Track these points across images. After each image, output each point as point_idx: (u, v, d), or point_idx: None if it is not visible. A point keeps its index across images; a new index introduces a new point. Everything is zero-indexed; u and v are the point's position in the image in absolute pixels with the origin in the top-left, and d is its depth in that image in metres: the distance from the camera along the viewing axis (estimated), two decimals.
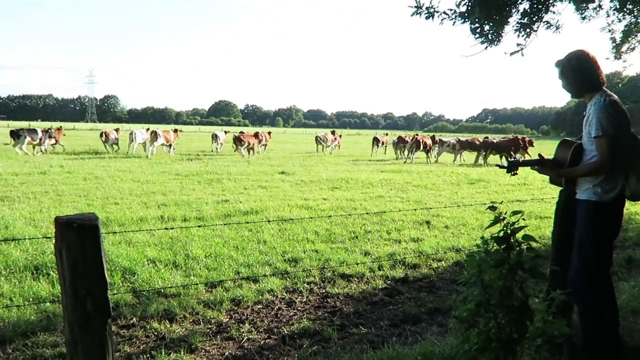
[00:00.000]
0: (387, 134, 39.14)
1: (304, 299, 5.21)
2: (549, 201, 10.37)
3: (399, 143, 27.14)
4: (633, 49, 10.56)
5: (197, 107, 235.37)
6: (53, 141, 24.26)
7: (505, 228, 2.61)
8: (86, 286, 2.13)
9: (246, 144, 25.05)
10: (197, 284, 5.36)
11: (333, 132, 32.40)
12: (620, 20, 9.97)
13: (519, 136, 28.85)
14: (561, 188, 3.72)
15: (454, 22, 6.13)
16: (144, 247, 6.58)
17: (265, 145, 29.05)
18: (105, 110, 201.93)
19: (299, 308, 4.99)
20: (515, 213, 2.64)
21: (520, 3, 6.54)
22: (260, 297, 5.17)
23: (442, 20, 6.08)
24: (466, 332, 2.64)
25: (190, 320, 4.61)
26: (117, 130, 27.92)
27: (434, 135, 29.95)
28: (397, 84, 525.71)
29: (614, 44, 10.46)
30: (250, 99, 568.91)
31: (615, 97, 3.36)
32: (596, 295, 3.38)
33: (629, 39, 10.32)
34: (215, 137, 28.43)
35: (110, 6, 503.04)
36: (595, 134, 3.26)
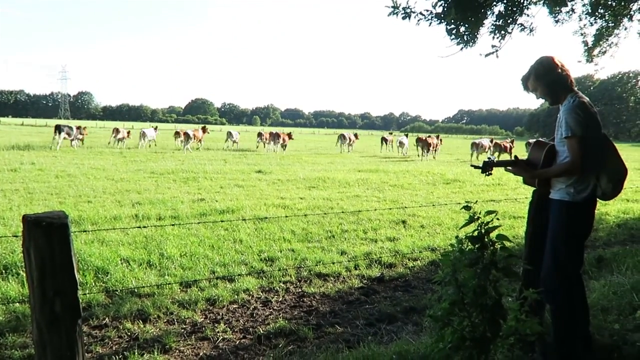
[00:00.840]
0: (391, 134, 43.45)
1: (280, 299, 5.18)
2: (522, 201, 10.51)
3: (419, 142, 29.32)
4: (604, 52, 10.74)
5: (174, 104, 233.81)
6: (81, 137, 26.91)
7: (479, 228, 2.63)
8: (55, 286, 2.08)
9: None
10: (171, 284, 5.29)
11: (356, 135, 35.56)
12: (592, 24, 10.15)
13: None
14: (534, 188, 3.77)
15: (430, 23, 6.17)
16: (118, 246, 6.48)
17: (285, 145, 30.33)
18: (79, 107, 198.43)
19: (275, 307, 4.96)
20: (489, 213, 2.66)
21: (495, 5, 6.62)
22: (236, 296, 5.13)
23: (418, 20, 6.11)
24: (440, 331, 2.65)
25: (165, 320, 4.55)
26: (128, 132, 31.17)
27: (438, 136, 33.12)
28: (375, 84, 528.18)
29: (586, 47, 10.62)
30: (227, 97, 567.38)
31: (585, 98, 3.41)
32: (568, 294, 3.43)
33: (600, 42, 10.49)
34: (230, 134, 31.88)
35: (83, 1, 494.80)
36: (565, 134, 3.31)
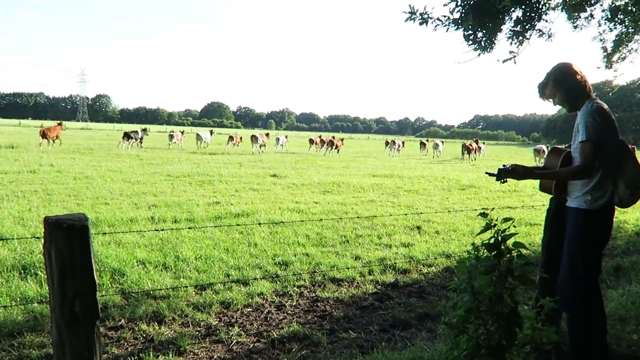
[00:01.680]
0: (428, 140, 47.47)
1: (294, 303, 5.20)
2: (539, 208, 10.42)
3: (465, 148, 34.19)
4: (624, 58, 10.62)
5: (190, 108, 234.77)
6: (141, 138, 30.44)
7: (495, 235, 2.62)
8: (75, 287, 2.11)
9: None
10: (186, 286, 5.33)
11: (404, 143, 41.69)
12: (611, 30, 10.04)
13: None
14: (551, 196, 3.74)
15: (448, 29, 6.16)
16: (134, 248, 6.54)
17: (338, 149, 34.45)
18: (96, 110, 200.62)
19: (289, 312, 4.98)
20: (506, 220, 2.65)
21: (514, 11, 6.57)
22: (250, 300, 5.16)
23: (435, 26, 6.10)
24: (455, 339, 2.64)
25: (179, 322, 4.59)
26: (182, 132, 35.49)
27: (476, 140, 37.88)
28: (390, 89, 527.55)
29: (605, 53, 10.51)
30: (243, 100, 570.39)
31: (603, 104, 3.39)
32: (585, 303, 3.40)
33: (620, 48, 10.37)
34: (277, 140, 35.42)
35: (103, 4, 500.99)
36: (581, 139, 3.28)
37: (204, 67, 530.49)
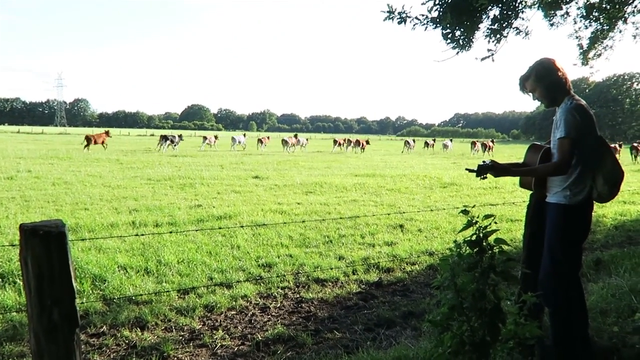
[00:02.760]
0: (435, 140, 52.95)
1: (278, 305, 5.17)
2: (520, 204, 10.54)
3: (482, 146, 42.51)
4: (599, 55, 10.78)
5: (170, 110, 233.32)
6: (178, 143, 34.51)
7: (477, 232, 2.63)
8: (52, 295, 2.07)
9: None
10: (169, 291, 5.28)
11: (414, 141, 48.13)
12: (587, 27, 10.21)
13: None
14: (531, 192, 3.78)
15: (426, 28, 6.19)
16: (115, 253, 6.46)
17: (364, 149, 41.13)
18: (75, 114, 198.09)
19: (273, 313, 4.95)
20: (487, 217, 2.66)
21: (491, 9, 6.63)
22: (234, 303, 5.12)
23: (414, 25, 6.13)
24: (440, 336, 2.65)
25: (162, 327, 4.54)
26: (215, 137, 39.69)
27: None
28: (371, 89, 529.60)
29: (581, 50, 10.67)
30: (223, 102, 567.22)
31: (582, 101, 3.43)
32: (566, 297, 3.43)
33: (596, 45, 10.54)
34: (285, 142, 38.35)
35: (80, 7, 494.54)
36: (559, 135, 3.32)
37: (183, 69, 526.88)
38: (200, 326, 4.60)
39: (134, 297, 5.09)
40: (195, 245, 6.97)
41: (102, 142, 31.86)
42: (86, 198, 11.05)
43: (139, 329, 4.46)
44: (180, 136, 35.38)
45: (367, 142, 43.22)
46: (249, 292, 5.39)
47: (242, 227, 8.15)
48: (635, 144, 34.44)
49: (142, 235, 7.11)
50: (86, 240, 6.84)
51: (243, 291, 5.37)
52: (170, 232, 7.40)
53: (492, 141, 46.94)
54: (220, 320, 4.74)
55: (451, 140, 49.38)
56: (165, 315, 4.74)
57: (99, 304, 4.91)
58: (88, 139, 30.58)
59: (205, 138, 38.98)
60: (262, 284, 5.69)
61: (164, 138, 33.13)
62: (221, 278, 5.79)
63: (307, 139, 44.71)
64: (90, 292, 5.20)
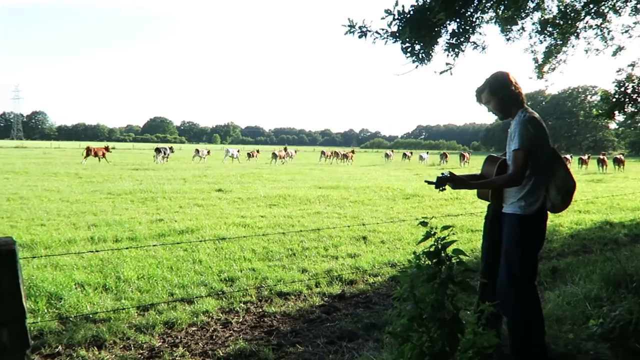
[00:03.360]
0: (412, 153, 57.22)
1: (241, 319, 5.12)
2: (479, 215, 10.74)
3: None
4: (554, 69, 11.13)
5: (132, 123, 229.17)
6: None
7: (436, 243, 2.67)
8: (1, 316, 1.99)
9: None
10: (128, 308, 5.16)
11: (392, 152, 54.50)
12: (541, 42, 10.53)
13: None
14: (489, 202, 3.86)
15: (386, 42, 6.27)
16: (72, 270, 6.29)
17: (351, 160, 44.47)
18: (32, 127, 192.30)
19: (235, 329, 4.90)
20: (445, 228, 2.71)
21: (449, 24, 6.77)
22: (195, 318, 5.04)
23: (374, 39, 6.20)
24: (400, 347, 2.67)
25: (121, 345, 4.43)
26: (171, 148, 40.40)
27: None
28: (334, 101, 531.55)
29: (537, 64, 11.01)
30: (187, 115, 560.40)
31: (535, 114, 3.54)
32: (523, 306, 3.51)
33: (550, 59, 10.88)
34: (274, 155, 40.15)
35: (36, 17, 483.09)
36: (514, 147, 3.41)
37: (145, 82, 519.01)
38: (160, 343, 4.52)
39: (91, 315, 4.96)
40: (156, 261, 6.85)
41: (103, 155, 33.51)
42: (43, 213, 10.74)
43: (96, 348, 4.34)
44: (171, 148, 38.61)
45: (353, 152, 46.95)
46: (211, 307, 5.32)
47: (204, 241, 8.05)
48: (601, 156, 36.13)
49: (101, 251, 6.95)
50: (42, 258, 6.64)
51: (205, 306, 5.30)
52: (131, 248, 7.25)
53: (468, 153, 50.09)
54: (181, 337, 4.66)
55: (427, 153, 52.13)
56: (124, 333, 4.63)
57: (55, 323, 4.76)
58: (88, 150, 32.56)
59: (197, 151, 41.83)
60: (224, 299, 5.62)
61: (158, 150, 35.52)
62: (182, 294, 5.70)
63: (295, 151, 48.86)
64: (46, 310, 5.04)
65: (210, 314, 5.19)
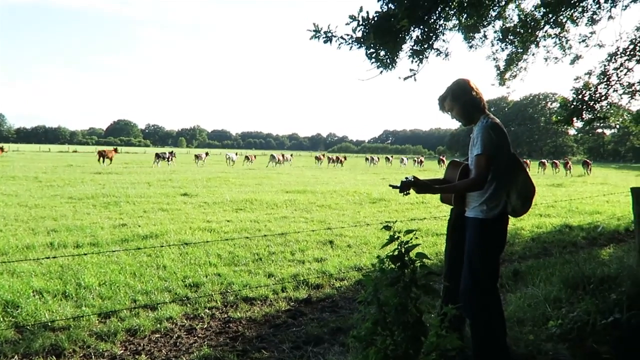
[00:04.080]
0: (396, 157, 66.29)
1: (205, 325, 5.05)
2: (444, 219, 10.84)
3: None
4: (515, 76, 11.41)
5: (94, 126, 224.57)
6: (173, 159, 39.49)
7: (399, 247, 2.69)
8: None
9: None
10: (88, 315, 5.04)
11: (377, 158, 58.95)
12: (503, 50, 10.79)
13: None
14: (452, 206, 3.91)
15: (351, 47, 6.30)
16: (30, 277, 6.11)
17: (342, 163, 49.96)
18: None
19: (200, 335, 4.83)
20: (408, 232, 2.73)
21: (413, 31, 6.85)
22: (159, 325, 4.95)
23: (339, 45, 6.22)
24: (364, 351, 2.67)
25: (81, 354, 4.31)
26: (206, 153, 44.86)
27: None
28: (301, 105, 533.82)
29: (498, 72, 11.27)
30: (152, 118, 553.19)
31: (497, 119, 3.60)
32: (485, 308, 3.56)
33: (511, 67, 11.15)
34: (272, 158, 44.93)
35: None
36: (476, 152, 3.47)
37: (107, 84, 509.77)
38: (122, 351, 4.41)
39: (49, 323, 4.82)
40: (119, 267, 6.71)
41: (111, 158, 36.78)
42: None
43: (54, 357, 4.22)
44: (172, 153, 39.90)
45: (345, 158, 52.11)
46: (175, 313, 5.23)
47: (168, 246, 7.93)
48: (566, 159, 37.85)
49: (61, 257, 6.77)
50: None
51: (168, 313, 5.21)
52: (91, 254, 7.08)
53: (422, 156, 55.75)
54: (144, 344, 4.56)
55: (407, 158, 57.15)
56: (84, 341, 4.51)
57: (11, 332, 4.61)
58: (100, 154, 36.44)
59: (197, 156, 42.82)
60: (188, 305, 5.54)
61: (157, 156, 37.66)
62: (145, 300, 5.59)
63: (291, 155, 55.09)
64: (1, 319, 4.88)
65: (174, 321, 5.10)
